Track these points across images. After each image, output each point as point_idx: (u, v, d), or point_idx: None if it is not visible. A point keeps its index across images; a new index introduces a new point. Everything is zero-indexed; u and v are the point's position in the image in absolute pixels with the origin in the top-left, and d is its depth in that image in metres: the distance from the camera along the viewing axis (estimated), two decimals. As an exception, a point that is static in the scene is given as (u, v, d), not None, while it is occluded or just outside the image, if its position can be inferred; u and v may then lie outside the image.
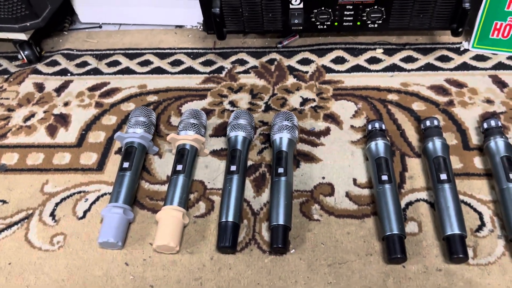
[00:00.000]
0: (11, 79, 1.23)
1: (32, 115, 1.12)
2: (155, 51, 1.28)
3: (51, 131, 1.08)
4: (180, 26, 1.34)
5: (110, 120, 1.09)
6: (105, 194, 0.94)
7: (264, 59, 1.22)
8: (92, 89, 1.18)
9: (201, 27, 1.32)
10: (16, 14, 1.15)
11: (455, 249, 0.77)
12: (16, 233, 0.89)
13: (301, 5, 1.07)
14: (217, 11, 1.07)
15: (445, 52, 1.17)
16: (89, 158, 1.01)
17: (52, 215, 0.91)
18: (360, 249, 0.82)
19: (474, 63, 1.14)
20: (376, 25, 1.11)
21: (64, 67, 1.25)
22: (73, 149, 1.03)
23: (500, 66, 1.13)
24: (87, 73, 1.23)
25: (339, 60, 1.19)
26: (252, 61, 1.21)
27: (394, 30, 1.15)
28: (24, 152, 1.04)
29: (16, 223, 0.90)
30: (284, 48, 1.24)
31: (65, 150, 1.04)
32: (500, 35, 1.12)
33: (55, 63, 1.27)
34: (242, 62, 1.21)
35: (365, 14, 1.08)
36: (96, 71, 1.23)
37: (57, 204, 0.93)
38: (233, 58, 1.23)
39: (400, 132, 1.01)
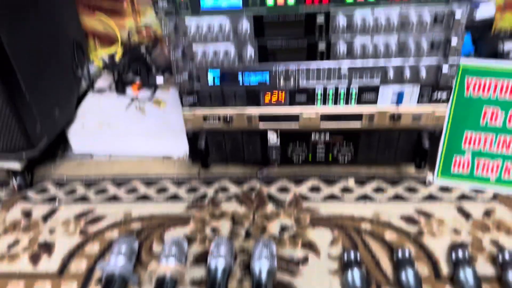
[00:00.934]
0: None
1: (17, 242, 1.14)
2: (141, 177, 1.35)
3: (34, 259, 1.09)
4: (168, 157, 1.44)
5: (93, 248, 1.11)
6: (82, 327, 0.93)
7: (245, 186, 1.29)
8: (78, 216, 1.22)
9: (187, 157, 1.42)
10: (13, 144, 1.22)
11: None
12: None
13: (278, 143, 1.19)
14: (203, 146, 1.17)
15: (412, 184, 1.27)
16: (69, 288, 1.02)
17: None
18: None
19: (440, 194, 1.23)
20: (346, 160, 1.22)
21: (53, 195, 1.30)
22: (54, 278, 1.04)
23: (463, 197, 1.22)
24: (75, 200, 1.28)
25: (314, 189, 1.27)
26: (234, 189, 1.29)
27: (362, 164, 1.26)
28: (5, 281, 1.04)
29: None
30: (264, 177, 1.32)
31: (46, 278, 1.04)
32: (461, 169, 1.23)
33: (44, 190, 1.32)
34: (224, 189, 1.29)
35: (335, 151, 1.20)
36: (83, 199, 1.28)
37: (31, 339, 0.91)
38: (216, 185, 1.30)
39: (375, 262, 1.05)
